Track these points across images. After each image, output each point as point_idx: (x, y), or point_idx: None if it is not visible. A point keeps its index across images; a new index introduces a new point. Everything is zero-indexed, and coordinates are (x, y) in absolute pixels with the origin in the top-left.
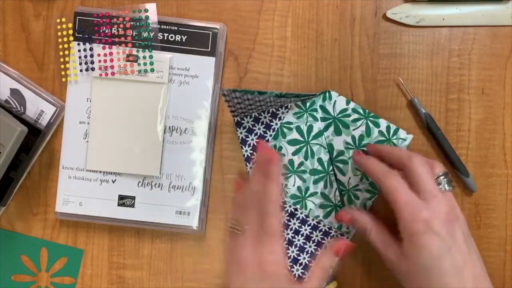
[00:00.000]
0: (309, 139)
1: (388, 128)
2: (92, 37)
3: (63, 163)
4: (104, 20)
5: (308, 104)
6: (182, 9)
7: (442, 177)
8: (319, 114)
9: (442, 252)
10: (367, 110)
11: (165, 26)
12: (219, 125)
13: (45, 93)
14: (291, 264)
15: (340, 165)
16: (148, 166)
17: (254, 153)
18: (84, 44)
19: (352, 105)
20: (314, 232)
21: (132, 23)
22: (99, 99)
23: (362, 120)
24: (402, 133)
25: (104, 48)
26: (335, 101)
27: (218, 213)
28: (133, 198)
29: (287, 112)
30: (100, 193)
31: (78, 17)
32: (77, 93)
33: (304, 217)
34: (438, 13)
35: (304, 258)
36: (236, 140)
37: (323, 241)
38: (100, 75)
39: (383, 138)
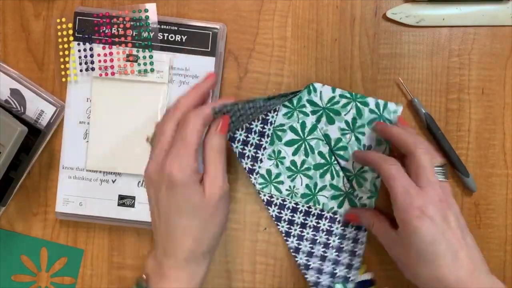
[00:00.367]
0: (305, 136)
1: (377, 105)
2: (92, 37)
3: (63, 163)
4: (104, 20)
5: (295, 101)
6: (182, 9)
7: (439, 168)
8: (308, 109)
9: (436, 236)
10: (353, 93)
11: (165, 26)
12: None
13: (45, 93)
14: (320, 262)
15: (341, 152)
16: None
17: (255, 163)
18: (84, 44)
19: (338, 91)
20: (333, 225)
21: (132, 23)
22: (99, 99)
23: (351, 104)
24: (391, 106)
25: (104, 48)
26: (321, 91)
27: None
28: (133, 198)
29: (276, 115)
30: (100, 193)
31: (78, 17)
32: (77, 93)
33: (320, 212)
34: (438, 13)
35: (331, 254)
36: None
37: (344, 233)
38: (100, 75)
39: (375, 116)
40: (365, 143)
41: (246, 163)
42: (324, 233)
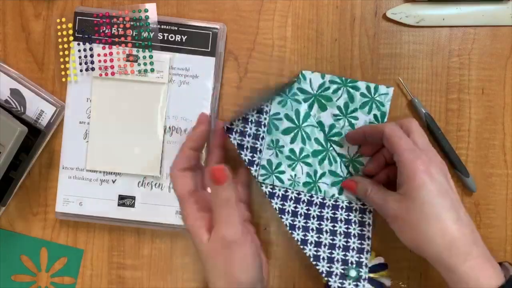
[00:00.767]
0: (301, 123)
1: (368, 88)
2: (92, 37)
3: (63, 163)
4: (104, 20)
5: (287, 90)
6: (182, 9)
7: None
8: (300, 97)
9: (441, 193)
10: (343, 78)
11: (165, 26)
12: None
13: (45, 93)
14: (329, 251)
15: (336, 138)
16: (148, 166)
17: (254, 154)
18: (84, 44)
19: (328, 77)
20: (336, 212)
21: (132, 23)
22: (99, 99)
23: (342, 89)
24: (382, 89)
25: (104, 48)
26: (310, 78)
27: None
28: (133, 198)
29: (271, 103)
30: (100, 193)
31: (78, 17)
32: (77, 93)
33: (321, 201)
34: (438, 13)
35: (340, 241)
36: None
37: (349, 218)
38: (100, 75)
39: (366, 99)
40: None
41: (246, 155)
42: (329, 220)
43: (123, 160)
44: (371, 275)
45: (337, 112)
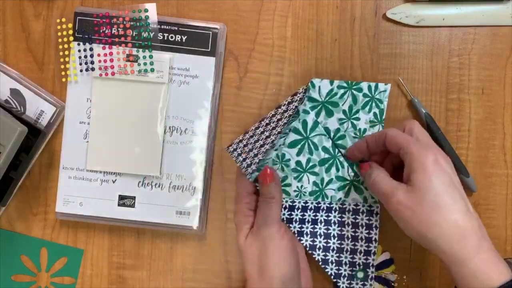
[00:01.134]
0: (308, 134)
1: (369, 88)
2: (92, 37)
3: (63, 163)
4: (104, 20)
5: (300, 110)
6: (182, 9)
7: None
8: (308, 106)
9: (450, 184)
10: (349, 81)
11: (165, 26)
12: (219, 125)
13: (45, 93)
14: (337, 255)
15: (340, 142)
16: (148, 166)
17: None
18: (84, 44)
19: (336, 83)
20: (343, 215)
21: (132, 23)
22: (99, 99)
23: (348, 92)
24: (381, 86)
25: (104, 48)
26: (319, 86)
27: (218, 213)
28: (133, 198)
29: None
30: (100, 193)
31: (78, 17)
32: (77, 93)
33: (328, 205)
34: (438, 13)
35: (347, 244)
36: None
37: (356, 221)
38: (100, 75)
39: (367, 99)
40: (360, 127)
41: (250, 174)
42: (337, 225)
43: (123, 160)
44: (377, 273)
45: (342, 116)
